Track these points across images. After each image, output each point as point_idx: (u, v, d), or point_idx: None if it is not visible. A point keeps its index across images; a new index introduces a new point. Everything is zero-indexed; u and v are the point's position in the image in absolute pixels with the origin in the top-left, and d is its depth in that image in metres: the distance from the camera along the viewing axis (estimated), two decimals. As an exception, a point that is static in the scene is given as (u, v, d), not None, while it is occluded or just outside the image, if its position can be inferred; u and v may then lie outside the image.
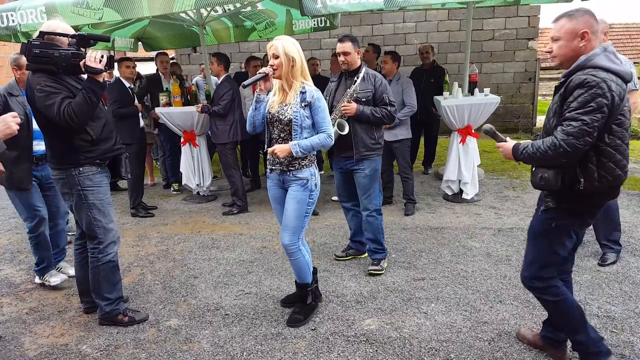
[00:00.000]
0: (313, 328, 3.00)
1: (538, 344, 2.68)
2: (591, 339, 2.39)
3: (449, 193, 5.60)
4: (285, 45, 2.81)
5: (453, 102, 5.22)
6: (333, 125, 3.49)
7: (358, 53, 3.62)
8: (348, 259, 3.98)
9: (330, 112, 3.58)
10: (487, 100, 5.23)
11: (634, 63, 3.79)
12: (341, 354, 2.73)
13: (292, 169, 2.94)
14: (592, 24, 2.13)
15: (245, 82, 2.96)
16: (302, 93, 2.87)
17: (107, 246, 3.00)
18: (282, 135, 2.94)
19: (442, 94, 5.59)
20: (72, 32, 2.81)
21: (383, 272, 3.73)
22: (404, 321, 3.05)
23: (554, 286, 2.40)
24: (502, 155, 2.37)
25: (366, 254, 3.97)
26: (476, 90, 5.48)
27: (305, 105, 2.87)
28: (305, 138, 2.90)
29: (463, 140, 5.32)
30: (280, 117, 2.89)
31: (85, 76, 2.79)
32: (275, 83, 2.95)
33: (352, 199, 3.88)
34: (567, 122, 2.07)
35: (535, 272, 2.41)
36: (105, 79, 3.09)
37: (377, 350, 2.75)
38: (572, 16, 2.15)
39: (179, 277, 3.85)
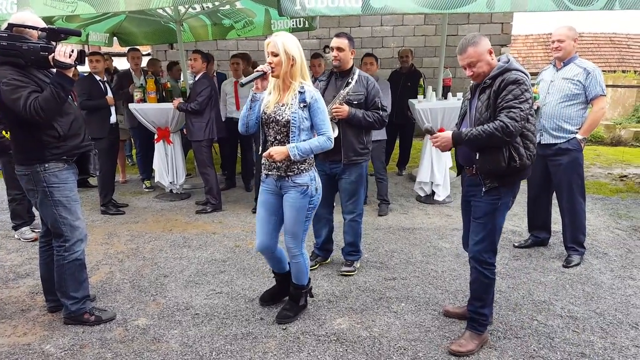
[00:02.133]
0: (284, 327, 3.00)
1: (467, 315, 2.93)
2: (491, 314, 2.86)
3: (422, 194, 5.68)
4: (285, 43, 2.67)
5: (427, 106, 5.29)
6: None
7: (352, 53, 3.52)
8: (316, 268, 3.88)
9: None
10: (460, 105, 5.30)
11: (602, 71, 3.91)
12: (311, 353, 2.74)
13: (290, 174, 2.80)
14: (488, 41, 2.60)
15: (243, 81, 2.80)
16: (301, 93, 2.74)
17: (73, 244, 2.94)
18: (278, 137, 2.79)
19: (416, 97, 5.66)
20: (43, 24, 2.74)
21: (355, 272, 3.75)
22: (374, 320, 3.08)
23: (494, 265, 2.73)
24: (439, 145, 2.64)
25: (330, 259, 3.97)
26: (449, 94, 5.56)
27: (304, 106, 2.74)
28: (304, 140, 2.77)
29: (436, 143, 5.39)
30: (277, 117, 2.75)
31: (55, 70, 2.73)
32: (271, 82, 2.80)
33: (325, 205, 3.74)
34: (508, 109, 2.46)
35: (487, 247, 2.68)
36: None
37: (346, 350, 2.77)
38: (476, 43, 2.55)
39: (148, 276, 3.79)
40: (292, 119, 2.73)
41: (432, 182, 5.55)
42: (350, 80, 3.49)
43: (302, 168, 2.82)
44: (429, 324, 3.03)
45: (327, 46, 9.74)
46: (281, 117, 2.75)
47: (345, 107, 3.45)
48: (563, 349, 2.75)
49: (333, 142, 2.86)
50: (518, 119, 2.44)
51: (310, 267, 3.82)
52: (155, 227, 5.00)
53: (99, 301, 3.38)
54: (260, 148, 2.91)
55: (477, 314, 2.75)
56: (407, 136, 6.91)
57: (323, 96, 3.52)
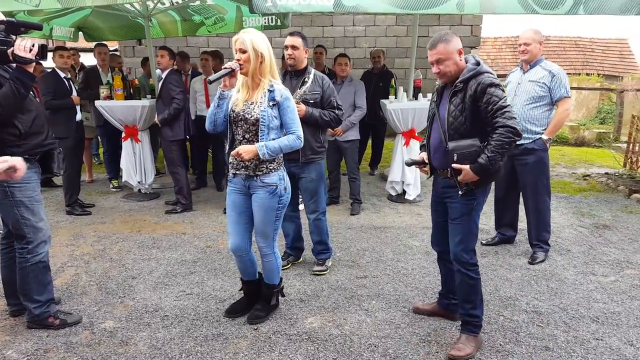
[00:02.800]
0: (255, 328, 2.98)
1: (439, 312, 3.06)
2: (482, 314, 2.80)
3: (393, 194, 5.73)
4: (253, 40, 2.64)
5: (398, 106, 5.35)
6: None
7: (306, 52, 3.54)
8: (288, 267, 3.87)
9: None
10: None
11: (567, 73, 4.03)
12: (282, 353, 2.73)
13: (259, 173, 2.77)
14: (459, 41, 2.60)
15: (211, 77, 2.72)
16: (271, 92, 2.72)
17: (37, 246, 2.84)
18: (246, 136, 2.76)
19: (387, 98, 5.71)
20: (2, 17, 2.65)
21: (327, 271, 3.76)
22: (346, 318, 3.09)
23: (477, 264, 2.74)
24: (467, 180, 2.53)
25: (302, 259, 3.98)
26: (420, 95, 5.63)
27: (273, 105, 2.72)
28: (273, 139, 2.74)
29: (407, 143, 5.47)
30: (246, 116, 2.71)
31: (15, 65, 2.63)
32: (239, 79, 2.76)
33: (292, 203, 3.69)
34: (502, 112, 2.45)
35: (467, 247, 2.69)
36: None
37: (318, 348, 2.77)
38: (447, 40, 2.53)
39: (116, 278, 3.71)
40: (262, 118, 2.70)
41: (403, 182, 5.61)
42: (306, 79, 3.51)
43: (270, 167, 2.80)
44: (399, 320, 3.07)
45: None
46: (250, 116, 2.71)
47: (302, 107, 3.46)
48: (528, 343, 2.82)
49: (303, 141, 2.84)
50: (514, 116, 2.48)
51: (283, 266, 3.81)
52: (123, 227, 4.89)
53: (65, 304, 3.29)
54: (228, 147, 2.87)
55: (469, 316, 2.73)
56: (379, 136, 6.98)
57: None
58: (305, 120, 3.49)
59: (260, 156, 2.69)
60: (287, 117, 2.78)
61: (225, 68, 2.70)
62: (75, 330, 2.98)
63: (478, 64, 2.56)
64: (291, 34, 3.52)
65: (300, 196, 3.88)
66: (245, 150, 2.67)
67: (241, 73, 2.72)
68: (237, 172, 2.85)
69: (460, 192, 2.61)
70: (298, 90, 3.50)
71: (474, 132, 2.55)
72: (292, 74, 3.61)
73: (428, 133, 2.78)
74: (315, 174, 3.62)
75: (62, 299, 3.36)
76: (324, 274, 3.74)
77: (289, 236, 3.89)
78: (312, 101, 3.53)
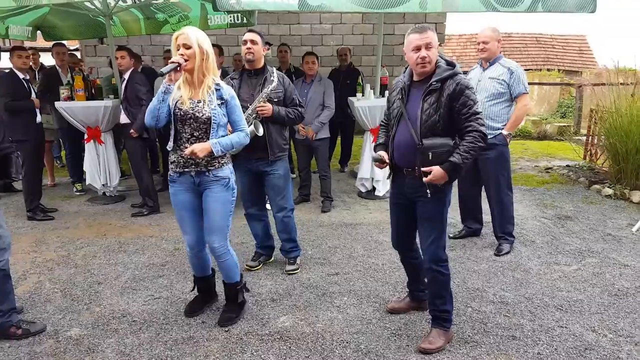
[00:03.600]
0: (226, 329, 2.96)
1: (413, 305, 3.11)
2: (452, 308, 2.83)
3: (363, 190, 5.78)
4: (198, 37, 2.63)
5: (365, 104, 5.38)
6: (249, 125, 3.39)
7: (264, 50, 3.51)
8: (260, 268, 3.84)
9: None
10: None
11: (527, 70, 4.14)
12: (255, 354, 2.72)
13: (211, 168, 2.79)
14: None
15: (163, 70, 2.63)
16: (218, 90, 2.74)
17: (-4, 253, 2.74)
18: (195, 134, 2.75)
19: (355, 95, 5.74)
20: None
21: (299, 269, 3.76)
22: (318, 316, 3.10)
23: (447, 260, 2.75)
24: (436, 180, 2.53)
25: (273, 258, 3.96)
26: (387, 92, 5.68)
27: (221, 103, 2.75)
28: (222, 136, 2.78)
29: (375, 140, 5.49)
30: (197, 114, 2.70)
31: None
32: (181, 79, 2.72)
33: (256, 203, 3.76)
34: (476, 116, 2.54)
35: (441, 244, 2.71)
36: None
37: (290, 347, 2.77)
38: (433, 30, 2.58)
39: (81, 284, 3.61)
40: (213, 116, 2.72)
41: (372, 178, 5.66)
42: (272, 78, 3.49)
43: (222, 162, 2.84)
44: (370, 316, 3.09)
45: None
46: (201, 114, 2.71)
47: (269, 106, 3.44)
48: (495, 333, 2.89)
49: (249, 137, 2.92)
50: (484, 123, 2.57)
51: (254, 267, 3.80)
52: (87, 232, 4.76)
53: (27, 313, 3.19)
54: (172, 143, 2.81)
55: (440, 311, 2.76)
56: (347, 133, 7.01)
57: (238, 95, 3.37)
58: (272, 119, 3.50)
59: (215, 153, 2.72)
60: (235, 115, 2.82)
61: (172, 62, 2.64)
62: (39, 339, 2.89)
63: (453, 65, 2.59)
64: (250, 30, 3.49)
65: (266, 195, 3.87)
66: (200, 148, 2.67)
67: (185, 69, 2.67)
68: (186, 169, 2.81)
69: (429, 190, 2.58)
70: (265, 90, 3.46)
71: (446, 132, 2.56)
72: (251, 73, 3.55)
73: (393, 132, 2.71)
74: (282, 170, 3.63)
75: (25, 307, 3.25)
76: (297, 272, 3.73)
77: (258, 236, 3.87)
78: (276, 100, 3.52)
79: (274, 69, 3.57)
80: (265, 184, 3.67)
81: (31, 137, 4.94)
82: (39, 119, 5.11)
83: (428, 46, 2.52)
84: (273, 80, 3.47)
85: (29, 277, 3.74)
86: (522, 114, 3.99)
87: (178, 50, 2.65)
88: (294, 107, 3.61)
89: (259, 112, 3.43)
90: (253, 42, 3.41)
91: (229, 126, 2.91)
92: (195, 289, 3.20)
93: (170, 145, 2.82)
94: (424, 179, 2.53)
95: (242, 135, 2.85)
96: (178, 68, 2.63)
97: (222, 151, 2.75)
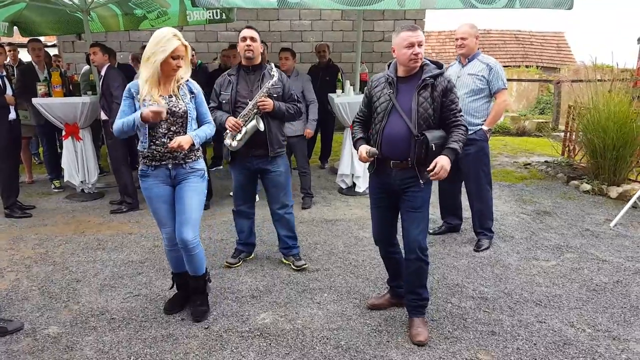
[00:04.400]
0: (206, 327, 2.95)
1: (394, 302, 3.13)
2: (429, 295, 2.94)
3: (343, 187, 5.80)
4: (186, 43, 2.79)
5: (345, 100, 5.40)
6: (250, 121, 3.37)
7: (261, 48, 3.51)
8: (239, 265, 3.83)
9: (234, 107, 3.47)
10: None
11: (505, 66, 4.20)
12: (234, 351, 2.71)
13: (188, 161, 2.88)
14: None
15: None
16: (187, 84, 2.87)
17: (-31, 251, 2.70)
18: (172, 128, 2.80)
19: (335, 92, 5.75)
20: None
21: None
22: (298, 313, 3.11)
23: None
24: (445, 170, 2.58)
25: (253, 255, 3.95)
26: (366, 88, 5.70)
27: (192, 97, 2.88)
28: (194, 129, 2.89)
29: (355, 136, 5.52)
30: (174, 109, 2.76)
31: None
32: (151, 77, 2.72)
33: (248, 200, 3.77)
34: (460, 113, 2.74)
35: (425, 233, 2.80)
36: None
37: (270, 344, 2.77)
38: (420, 29, 2.69)
39: (59, 282, 3.56)
40: (189, 110, 2.84)
41: (352, 174, 5.68)
42: (272, 73, 3.47)
43: (198, 155, 2.95)
44: (351, 312, 3.11)
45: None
46: (178, 109, 2.80)
47: (270, 101, 3.42)
48: (475, 328, 2.92)
49: (215, 128, 3.07)
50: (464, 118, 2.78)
51: (234, 264, 3.79)
52: (65, 229, 4.69)
53: (5, 311, 3.14)
54: (147, 142, 2.80)
55: (423, 299, 2.86)
56: (327, 130, 7.02)
57: (236, 90, 3.49)
58: (273, 115, 3.48)
59: (196, 145, 2.84)
60: (203, 107, 2.96)
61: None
62: (17, 337, 2.84)
63: (441, 65, 2.76)
64: (248, 27, 3.48)
65: (257, 192, 3.87)
66: (185, 141, 2.76)
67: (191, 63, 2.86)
68: (163, 162, 2.85)
69: (422, 181, 2.68)
70: (266, 85, 3.42)
71: (437, 125, 2.71)
72: (249, 69, 3.53)
73: (382, 125, 2.72)
74: (283, 167, 3.63)
75: (2, 305, 3.20)
76: (306, 266, 3.73)
77: (243, 233, 3.85)
78: (275, 95, 3.49)
79: (273, 64, 3.54)
80: (266, 182, 3.65)
81: (3, 134, 4.84)
82: (12, 115, 4.99)
83: (420, 44, 2.63)
84: (274, 76, 3.45)
85: (6, 275, 3.68)
86: (501, 110, 4.05)
87: (176, 59, 2.71)
88: (292, 102, 3.59)
89: (260, 107, 3.40)
90: (252, 39, 3.40)
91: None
92: (175, 286, 3.19)
93: (145, 145, 2.81)
94: (432, 171, 2.58)
95: (212, 127, 3.01)
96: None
97: (199, 142, 2.86)
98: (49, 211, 5.28)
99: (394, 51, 2.70)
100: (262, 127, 3.42)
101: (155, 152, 2.82)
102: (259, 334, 2.87)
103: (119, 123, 2.77)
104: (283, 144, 3.64)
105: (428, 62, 2.74)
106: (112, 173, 5.52)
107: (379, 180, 2.87)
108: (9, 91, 4.95)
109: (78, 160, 5.54)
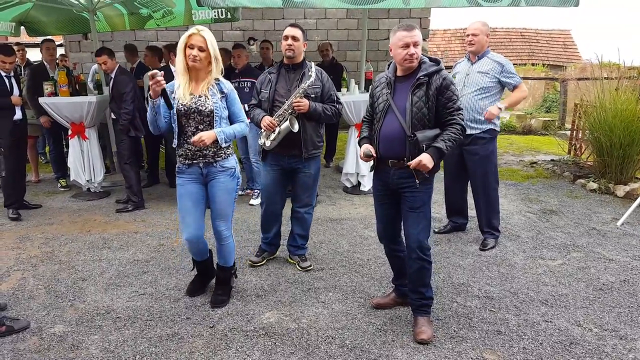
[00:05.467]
0: (211, 325, 2.95)
1: (399, 301, 3.13)
2: (433, 294, 2.93)
3: (348, 185, 5.79)
4: (213, 42, 2.81)
5: (350, 98, 5.39)
6: (284, 121, 3.34)
7: (304, 46, 3.47)
8: (263, 263, 3.81)
9: (272, 106, 3.44)
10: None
11: (514, 64, 4.19)
12: (239, 350, 2.71)
13: (218, 159, 2.95)
14: None
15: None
16: (218, 84, 2.92)
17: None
18: (200, 127, 2.90)
19: (340, 90, 5.74)
20: None
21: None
22: (303, 312, 3.10)
23: (430, 249, 2.83)
24: (424, 167, 2.58)
25: (277, 254, 3.93)
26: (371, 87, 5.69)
27: (222, 97, 2.92)
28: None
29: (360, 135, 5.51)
30: (200, 108, 2.85)
31: None
32: (180, 74, 2.86)
33: (281, 200, 3.72)
34: (459, 111, 2.67)
35: (427, 232, 2.79)
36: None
37: (275, 343, 2.77)
38: (419, 30, 2.67)
39: (65, 281, 3.58)
40: (215, 109, 2.88)
41: (357, 173, 5.67)
42: (310, 73, 3.41)
43: (228, 153, 3.00)
44: (356, 311, 3.10)
45: (251, 38, 9.61)
46: (204, 108, 2.87)
47: (306, 101, 3.36)
48: (481, 327, 2.91)
49: (249, 127, 3.08)
50: (463, 117, 2.71)
51: (257, 263, 3.80)
52: (72, 228, 4.71)
53: (11, 310, 3.15)
54: (176, 140, 2.96)
55: (426, 298, 2.86)
56: (332, 129, 7.02)
57: (275, 89, 3.45)
58: (309, 115, 3.42)
59: (219, 141, 2.88)
60: (235, 107, 3.00)
61: (159, 83, 2.71)
62: (23, 336, 2.86)
63: (438, 61, 2.71)
64: (292, 25, 3.44)
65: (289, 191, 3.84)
66: (207, 135, 2.82)
67: (196, 67, 2.83)
68: (195, 161, 2.95)
69: (418, 180, 2.66)
70: (302, 85, 3.38)
71: (433, 124, 2.68)
72: (289, 67, 3.49)
73: (380, 125, 2.76)
74: (314, 169, 3.62)
75: (9, 304, 3.21)
76: (311, 267, 3.72)
77: (270, 232, 3.79)
78: (313, 95, 3.43)
79: (313, 63, 3.50)
80: (295, 180, 3.65)
81: (6, 134, 4.85)
82: (17, 116, 5.00)
83: (415, 44, 2.62)
84: (311, 76, 3.40)
85: (12, 274, 3.70)
86: (521, 96, 4.00)
87: (191, 49, 2.76)
88: (331, 103, 3.52)
89: (295, 107, 3.36)
90: (294, 38, 3.37)
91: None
92: (195, 268, 3.34)
93: (175, 142, 2.96)
94: (411, 165, 2.59)
95: (244, 126, 3.03)
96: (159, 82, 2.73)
97: (225, 140, 2.90)
98: (55, 210, 5.31)
99: (391, 50, 2.72)
100: (296, 128, 3.36)
101: (187, 151, 2.94)
102: (263, 333, 2.87)
103: (147, 116, 2.92)
104: (319, 145, 3.59)
105: (426, 59, 2.71)
106: (119, 172, 5.53)
107: (380, 179, 2.90)
108: (15, 92, 4.97)
109: (84, 159, 5.56)
